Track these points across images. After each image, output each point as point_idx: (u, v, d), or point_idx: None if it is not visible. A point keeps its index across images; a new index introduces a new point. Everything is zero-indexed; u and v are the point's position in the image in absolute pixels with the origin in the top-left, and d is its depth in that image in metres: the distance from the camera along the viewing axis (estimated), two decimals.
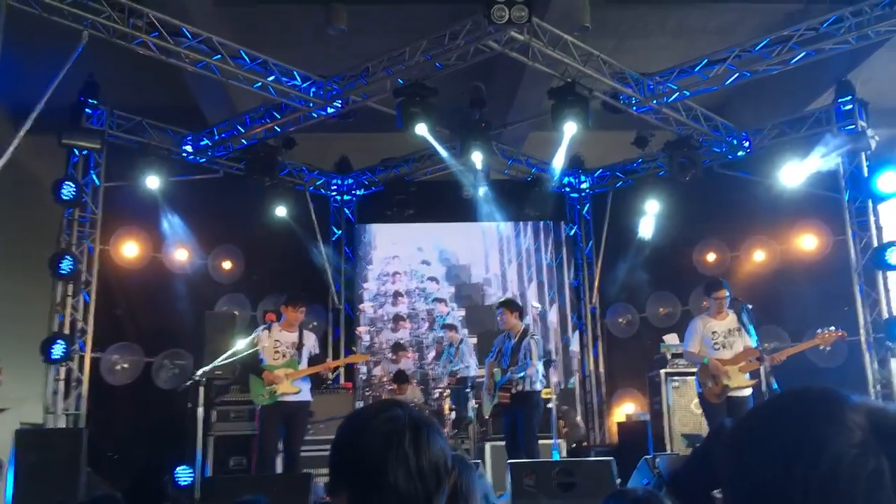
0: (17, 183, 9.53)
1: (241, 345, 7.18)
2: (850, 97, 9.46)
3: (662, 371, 9.41)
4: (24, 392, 9.11)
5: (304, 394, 7.24)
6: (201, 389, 7.14)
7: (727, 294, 7.09)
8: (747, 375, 6.91)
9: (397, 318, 11.77)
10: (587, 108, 8.54)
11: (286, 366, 7.16)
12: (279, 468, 7.63)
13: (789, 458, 0.91)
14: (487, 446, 8.56)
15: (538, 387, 7.52)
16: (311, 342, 7.43)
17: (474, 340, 10.70)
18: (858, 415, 0.93)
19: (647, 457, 5.85)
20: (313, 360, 7.40)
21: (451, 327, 11.28)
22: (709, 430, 6.93)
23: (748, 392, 6.98)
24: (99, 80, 9.29)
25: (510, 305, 7.77)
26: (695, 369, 8.29)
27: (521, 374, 7.31)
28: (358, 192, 12.13)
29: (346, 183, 12.06)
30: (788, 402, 1.00)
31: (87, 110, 9.27)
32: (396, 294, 11.86)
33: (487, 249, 12.13)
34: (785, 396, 1.02)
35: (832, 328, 7.10)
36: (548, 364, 7.37)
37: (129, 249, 9.99)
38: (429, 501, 1.47)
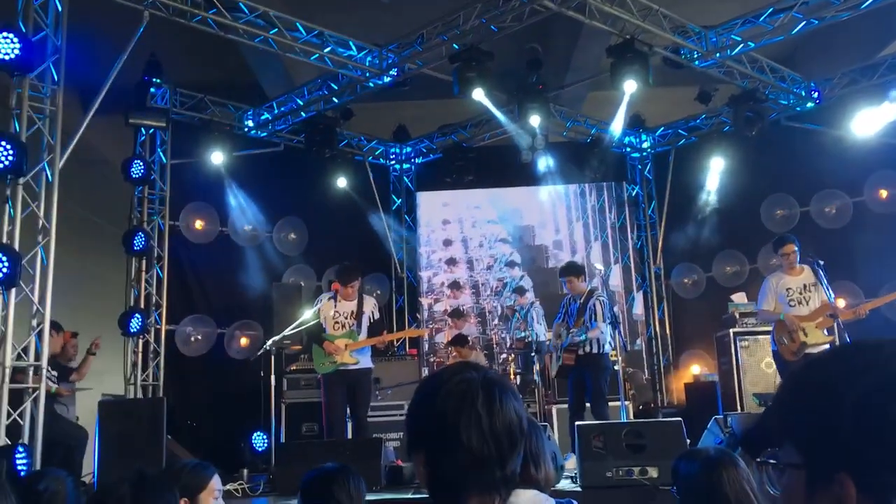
0: (87, 163, 9.84)
1: (308, 314, 7.32)
2: None
3: (731, 331, 9.25)
4: (106, 365, 9.48)
5: (365, 362, 7.32)
6: (272, 358, 7.32)
7: (796, 249, 6.91)
8: (825, 332, 6.73)
9: (455, 285, 11.81)
10: (647, 65, 8.33)
11: (345, 336, 7.24)
12: (349, 434, 7.82)
13: (867, 394, 0.90)
14: (554, 409, 8.58)
15: (607, 349, 7.46)
16: (370, 308, 7.43)
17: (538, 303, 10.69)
18: None
19: (718, 416, 5.79)
20: (373, 326, 7.44)
21: (521, 291, 11.27)
22: (779, 387, 6.81)
23: (826, 349, 6.81)
24: (161, 59, 9.47)
25: (572, 271, 7.68)
26: (766, 328, 8.14)
27: (583, 336, 7.26)
28: (417, 161, 12.16)
29: (404, 151, 12.10)
30: (855, 348, 0.99)
31: (151, 89, 9.51)
32: (451, 261, 11.88)
33: (550, 211, 12.01)
34: (850, 345, 1.02)
35: None
36: (614, 325, 7.29)
37: (198, 224, 10.26)
38: (502, 461, 1.48)
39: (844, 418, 0.92)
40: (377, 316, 7.51)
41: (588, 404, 7.36)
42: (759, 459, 1.02)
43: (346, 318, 7.30)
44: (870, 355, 0.97)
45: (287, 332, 7.37)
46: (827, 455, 0.95)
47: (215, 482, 3.11)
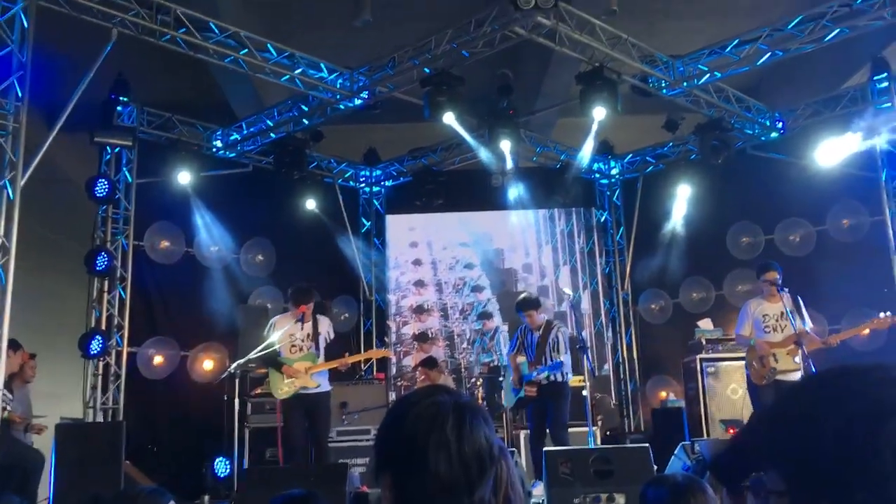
0: (50, 181, 9.66)
1: (274, 336, 7.20)
2: (885, 74, 9.25)
3: (698, 356, 9.31)
4: (63, 387, 9.26)
5: (324, 385, 7.21)
6: (236, 382, 7.20)
7: (778, 276, 6.98)
8: (795, 359, 6.80)
9: (421, 309, 11.77)
10: (616, 93, 8.43)
11: (305, 359, 7.13)
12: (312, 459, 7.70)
13: (850, 421, 0.88)
14: (521, 434, 8.53)
15: (568, 377, 7.49)
16: (325, 329, 7.32)
17: (506, 328, 10.67)
18: None
19: (685, 443, 5.80)
20: (329, 346, 7.33)
21: (487, 315, 11.24)
22: (753, 413, 6.84)
23: (796, 376, 6.87)
24: (128, 78, 9.38)
25: (531, 305, 7.59)
26: (731, 354, 8.22)
27: (545, 373, 7.24)
28: (386, 184, 12.14)
29: (374, 174, 12.07)
30: (838, 373, 0.98)
31: (117, 108, 9.38)
32: (420, 283, 11.85)
33: (520, 235, 12.03)
34: (832, 370, 1.00)
35: (888, 313, 7.00)
36: (582, 350, 7.30)
37: (163, 245, 10.10)
38: (471, 488, 1.44)
39: (826, 446, 0.91)
40: (332, 336, 7.40)
41: (548, 431, 7.33)
42: (742, 484, 1.00)
43: (302, 340, 7.19)
44: (853, 381, 0.95)
45: (252, 355, 7.25)
46: (809, 483, 0.94)
47: None
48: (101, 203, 9.36)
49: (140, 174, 9.82)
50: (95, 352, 8.90)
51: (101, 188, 9.13)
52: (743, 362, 7.69)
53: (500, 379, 8.55)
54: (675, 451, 5.81)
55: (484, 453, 1.47)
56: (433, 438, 1.43)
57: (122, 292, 9.52)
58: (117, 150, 9.61)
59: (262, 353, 7.10)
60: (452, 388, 1.67)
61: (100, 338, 8.95)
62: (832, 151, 9.44)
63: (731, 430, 7.80)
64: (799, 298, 6.89)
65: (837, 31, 8.08)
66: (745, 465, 0.99)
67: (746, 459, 1.00)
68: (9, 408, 6.85)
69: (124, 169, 9.73)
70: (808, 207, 10.31)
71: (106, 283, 9.38)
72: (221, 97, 10.27)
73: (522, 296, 7.86)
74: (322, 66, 8.85)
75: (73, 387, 9.14)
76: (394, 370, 11.42)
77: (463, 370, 11.29)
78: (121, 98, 9.39)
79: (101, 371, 9.18)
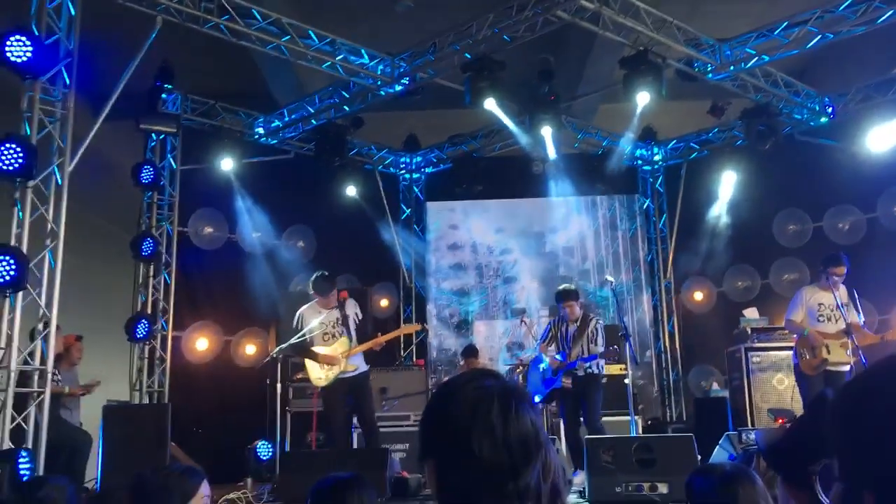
0: (97, 168, 9.81)
1: (314, 322, 7.24)
2: None
3: (743, 346, 9.14)
4: (111, 370, 9.44)
5: (361, 367, 7.24)
6: (278, 366, 7.26)
7: (846, 271, 6.80)
8: (848, 352, 6.65)
9: (462, 293, 11.76)
10: (660, 77, 8.28)
11: (339, 344, 7.17)
12: (354, 443, 7.76)
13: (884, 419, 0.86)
14: (561, 423, 8.47)
15: (602, 370, 7.42)
16: (352, 311, 7.32)
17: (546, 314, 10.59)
18: None
19: (730, 432, 5.71)
20: (360, 327, 7.33)
21: (520, 312, 11.07)
22: (810, 401, 6.71)
23: (846, 368, 6.73)
24: (173, 65, 9.47)
25: (573, 296, 7.46)
26: (778, 344, 8.06)
27: (589, 361, 7.17)
28: (427, 170, 12.12)
29: (414, 161, 12.07)
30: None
31: (162, 95, 9.50)
32: (458, 266, 11.82)
33: (561, 221, 11.87)
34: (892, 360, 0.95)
35: None
36: (624, 338, 7.21)
37: (207, 231, 10.23)
38: (515, 474, 1.42)
39: (869, 438, 0.89)
40: (360, 315, 7.41)
41: (583, 422, 7.25)
42: (799, 473, 0.97)
43: (333, 326, 7.23)
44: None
45: (294, 340, 7.29)
46: (855, 472, 0.94)
47: (204, 488, 3.05)
48: (147, 189, 9.51)
49: (184, 161, 9.96)
50: (141, 336, 9.06)
51: (147, 174, 9.27)
52: (789, 352, 7.55)
53: (518, 373, 8.53)
54: (720, 441, 5.72)
55: (530, 439, 1.44)
56: (478, 423, 1.41)
57: (167, 277, 9.68)
58: (162, 136, 9.75)
59: (291, 345, 7.15)
60: (496, 371, 1.65)
61: (145, 322, 9.11)
62: (883, 137, 9.21)
63: (781, 420, 7.64)
64: (854, 291, 6.73)
65: (890, 12, 7.83)
66: (804, 455, 0.96)
67: (805, 448, 0.96)
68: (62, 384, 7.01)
69: (169, 156, 9.87)
70: (858, 194, 10.07)
71: (151, 268, 9.54)
72: (263, 84, 10.33)
73: (563, 286, 7.75)
74: (363, 52, 8.85)
75: (120, 370, 9.32)
76: (434, 354, 11.43)
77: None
78: (165, 85, 9.50)
79: (146, 355, 9.35)
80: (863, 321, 6.72)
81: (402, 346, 11.18)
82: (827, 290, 6.89)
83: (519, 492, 1.43)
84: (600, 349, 7.19)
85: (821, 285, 7.00)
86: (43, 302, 6.30)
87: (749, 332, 9.27)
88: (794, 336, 7.14)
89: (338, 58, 8.67)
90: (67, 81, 6.60)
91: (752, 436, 5.25)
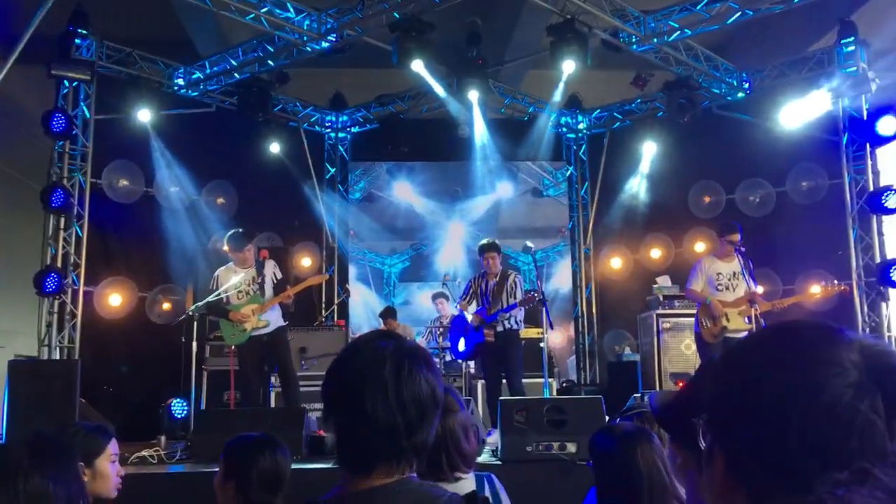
0: (4, 114, 9.40)
1: (234, 280, 7.16)
2: (852, 38, 9.30)
3: (654, 312, 9.46)
4: (18, 325, 9.14)
5: (275, 321, 7.22)
6: (195, 324, 7.16)
7: (740, 238, 7.10)
8: (746, 319, 6.97)
9: (385, 254, 11.76)
10: (586, 46, 8.39)
11: (250, 302, 7.13)
12: (271, 403, 7.74)
13: (783, 399, 0.89)
14: (479, 384, 8.64)
15: (521, 326, 7.63)
16: (269, 270, 7.30)
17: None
18: (853, 352, 0.90)
19: (636, 395, 5.93)
20: (278, 286, 7.29)
21: (441, 296, 10.93)
22: (699, 365, 7.03)
23: (744, 335, 7.03)
24: (88, 10, 9.06)
25: (496, 248, 7.69)
26: (687, 311, 8.37)
27: (512, 309, 7.35)
28: (353, 130, 11.99)
29: (340, 120, 11.91)
30: (782, 339, 0.97)
31: (76, 40, 9.05)
32: (382, 228, 11.77)
33: (487, 184, 11.91)
34: (778, 331, 0.99)
35: (835, 282, 7.23)
36: (541, 302, 7.39)
37: (121, 183, 9.89)
38: (410, 431, 1.46)
39: (732, 402, 0.94)
40: (279, 276, 7.38)
41: (504, 379, 7.46)
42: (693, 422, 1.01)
43: (248, 285, 7.18)
44: (792, 342, 0.96)
45: (211, 298, 7.19)
46: (714, 431, 0.97)
47: (112, 446, 3.03)
48: (58, 138, 9.10)
49: (99, 110, 9.55)
50: (51, 289, 8.75)
51: (58, 123, 8.88)
52: None
53: (440, 332, 8.65)
54: (627, 403, 5.94)
55: (424, 397, 1.48)
56: (370, 382, 1.46)
57: (78, 230, 9.34)
58: (75, 84, 9.33)
59: (206, 303, 7.08)
60: (396, 333, 1.69)
61: (55, 275, 8.79)
62: (796, 113, 9.55)
63: (680, 384, 8.00)
64: (750, 261, 7.03)
65: None
66: (688, 417, 1.02)
67: (691, 409, 1.02)
68: None
69: (82, 104, 9.46)
70: (770, 169, 10.44)
71: (62, 220, 9.18)
72: (185, 34, 9.98)
73: (485, 239, 7.91)
74: (289, 5, 8.64)
75: (28, 324, 9.02)
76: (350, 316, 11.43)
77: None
78: (79, 30, 9.07)
79: (56, 309, 9.04)
80: (758, 290, 7.04)
81: (324, 306, 11.14)
82: (725, 261, 7.19)
83: (415, 448, 1.47)
84: (518, 300, 7.38)
85: (718, 255, 7.30)
86: None
87: (661, 298, 9.59)
88: (696, 305, 7.43)
89: (262, 10, 8.45)
90: None
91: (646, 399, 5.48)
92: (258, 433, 2.96)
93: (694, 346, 8.17)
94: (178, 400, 8.55)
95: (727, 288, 7.15)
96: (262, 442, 2.87)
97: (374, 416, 1.43)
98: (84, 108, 9.46)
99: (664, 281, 9.97)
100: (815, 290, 7.80)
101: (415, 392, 1.47)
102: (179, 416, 8.45)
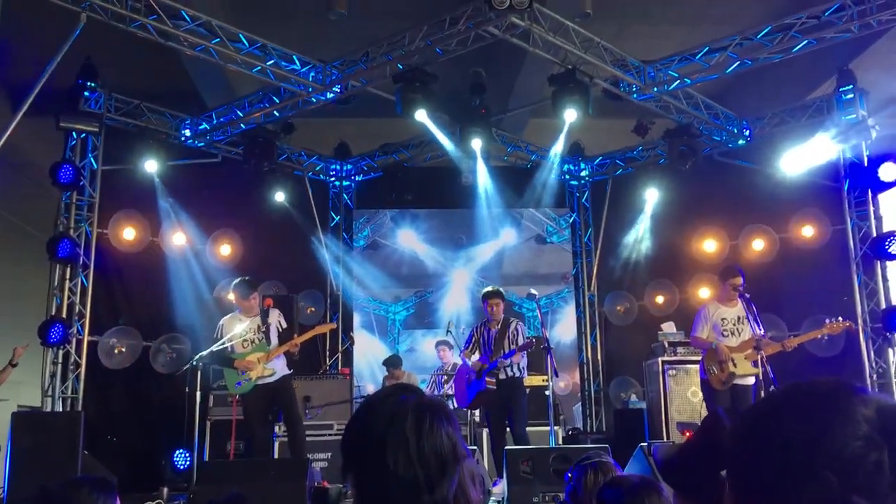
0: (14, 166, 9.52)
1: (238, 329, 7.16)
2: (851, 86, 9.42)
3: (660, 359, 9.41)
4: (22, 375, 9.10)
5: (281, 370, 7.21)
6: (198, 374, 7.14)
7: (742, 282, 7.08)
8: (752, 364, 6.92)
9: (389, 302, 11.75)
10: (587, 95, 8.51)
11: (255, 350, 7.13)
12: (275, 453, 7.67)
13: (794, 447, 0.93)
14: (484, 432, 8.58)
15: (525, 374, 7.59)
16: (274, 319, 7.31)
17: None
18: (868, 408, 0.95)
19: (643, 444, 5.87)
20: (284, 335, 7.30)
21: (444, 344, 10.85)
22: (703, 420, 6.97)
23: (752, 381, 7.00)
24: (97, 63, 9.23)
25: (500, 295, 7.72)
26: (694, 357, 8.31)
27: (511, 356, 7.32)
28: (357, 178, 12.10)
29: (345, 168, 12.03)
30: (799, 394, 1.02)
31: (84, 93, 9.23)
32: (386, 276, 11.77)
33: (491, 231, 11.94)
34: (796, 388, 1.04)
35: (840, 318, 7.16)
36: (546, 350, 7.36)
37: (127, 233, 9.96)
38: (431, 486, 1.46)
39: (755, 465, 0.97)
40: (285, 325, 7.39)
41: (509, 428, 7.39)
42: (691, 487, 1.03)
43: (253, 333, 7.18)
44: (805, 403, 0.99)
45: (216, 347, 7.19)
46: (738, 493, 1.01)
47: (115, 500, 3.01)
48: (65, 189, 9.21)
49: (106, 161, 9.68)
50: (56, 340, 8.76)
51: (66, 174, 9.00)
52: None
53: (444, 380, 8.61)
54: (634, 453, 5.88)
55: (445, 452, 1.48)
56: (391, 437, 1.45)
57: (84, 280, 9.38)
58: (83, 135, 9.46)
59: (215, 351, 7.08)
60: (416, 386, 1.69)
61: (60, 326, 8.81)
62: (797, 160, 9.62)
63: (687, 433, 7.91)
64: (753, 305, 7.00)
65: (805, 42, 8.22)
66: (694, 470, 1.03)
67: (695, 463, 1.03)
68: None
69: (90, 155, 9.59)
70: (772, 215, 10.47)
71: (68, 270, 9.24)
72: (192, 86, 10.14)
73: (489, 287, 7.93)
74: (294, 58, 8.80)
75: (32, 375, 8.99)
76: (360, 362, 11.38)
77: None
78: (88, 83, 9.24)
79: (60, 360, 9.03)
80: (761, 331, 6.99)
81: (328, 354, 11.10)
82: (728, 305, 7.17)
83: (435, 503, 1.47)
84: (515, 353, 7.35)
85: (721, 300, 7.27)
86: None
87: (666, 345, 9.55)
88: (701, 352, 7.38)
89: (268, 63, 8.60)
90: None
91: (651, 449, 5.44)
92: (228, 495, 2.93)
93: (700, 394, 8.11)
94: (182, 451, 8.49)
95: (732, 333, 7.11)
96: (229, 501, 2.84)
97: (395, 470, 1.43)
98: (92, 159, 9.58)
99: (669, 327, 9.93)
100: (822, 327, 7.72)
101: (436, 447, 1.46)
102: (182, 468, 8.38)
